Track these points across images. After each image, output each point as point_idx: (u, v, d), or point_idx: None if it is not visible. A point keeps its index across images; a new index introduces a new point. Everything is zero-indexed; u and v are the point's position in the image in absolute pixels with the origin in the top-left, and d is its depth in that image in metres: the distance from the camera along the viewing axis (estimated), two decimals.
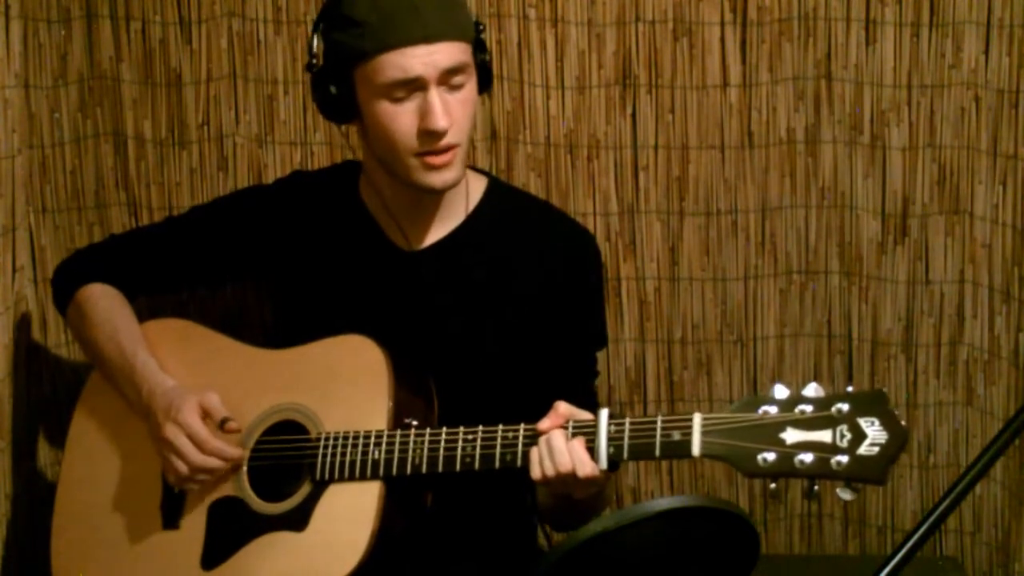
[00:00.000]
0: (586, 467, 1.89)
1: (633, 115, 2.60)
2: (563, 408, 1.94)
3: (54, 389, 2.59)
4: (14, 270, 2.45)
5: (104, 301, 2.29)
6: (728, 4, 2.55)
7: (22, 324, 2.50)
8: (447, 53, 2.04)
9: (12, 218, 2.42)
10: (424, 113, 2.04)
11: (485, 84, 2.15)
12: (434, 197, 2.16)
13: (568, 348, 2.22)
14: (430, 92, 2.04)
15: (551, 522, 2.28)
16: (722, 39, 2.56)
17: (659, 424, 1.86)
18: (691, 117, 2.59)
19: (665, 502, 1.76)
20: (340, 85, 2.09)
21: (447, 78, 2.05)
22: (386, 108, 2.06)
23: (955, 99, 2.55)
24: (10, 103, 2.40)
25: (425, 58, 2.02)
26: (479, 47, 2.13)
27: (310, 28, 2.55)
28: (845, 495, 1.76)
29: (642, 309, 2.66)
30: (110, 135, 2.60)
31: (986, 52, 2.51)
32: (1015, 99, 2.49)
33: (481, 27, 2.14)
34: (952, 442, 2.68)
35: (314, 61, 2.12)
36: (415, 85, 2.04)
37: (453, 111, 2.06)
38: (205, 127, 2.61)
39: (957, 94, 2.54)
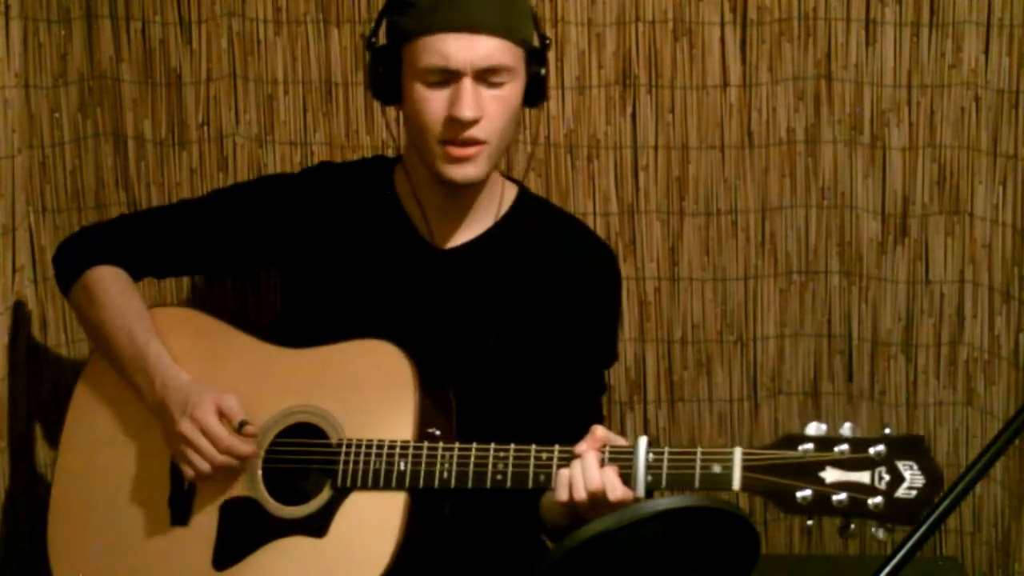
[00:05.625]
0: (617, 491, 1.88)
1: (633, 115, 2.60)
2: (600, 432, 1.93)
3: (54, 389, 2.58)
4: (14, 270, 2.45)
5: (116, 285, 2.24)
6: (728, 4, 2.55)
7: (22, 324, 2.50)
8: (489, 48, 2.03)
9: (12, 218, 2.42)
10: (453, 101, 2.03)
11: (535, 98, 2.12)
12: (466, 195, 2.15)
13: (580, 362, 2.20)
14: (463, 81, 2.02)
15: (550, 534, 2.27)
16: (722, 39, 2.56)
17: (699, 456, 1.86)
18: (691, 117, 2.59)
19: (665, 502, 1.75)
20: (388, 64, 2.09)
21: (485, 74, 2.03)
22: (420, 90, 2.05)
23: (955, 99, 2.55)
24: (10, 103, 2.40)
25: (464, 48, 2.01)
26: (536, 59, 2.10)
27: (310, 28, 2.57)
28: (879, 534, 1.80)
29: (642, 309, 2.66)
30: (110, 135, 2.60)
31: (986, 52, 2.51)
32: (1015, 99, 2.49)
33: (547, 41, 2.12)
34: (952, 442, 2.68)
35: (373, 40, 2.11)
36: (450, 73, 2.03)
37: (485, 106, 2.04)
38: (205, 127, 2.61)
39: (957, 94, 2.54)
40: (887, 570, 1.75)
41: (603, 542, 1.73)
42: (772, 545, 2.73)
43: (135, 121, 2.59)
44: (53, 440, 2.56)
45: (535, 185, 2.60)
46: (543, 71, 2.12)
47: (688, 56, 2.57)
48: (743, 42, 2.57)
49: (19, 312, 2.48)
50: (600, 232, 2.61)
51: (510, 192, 2.23)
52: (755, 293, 2.66)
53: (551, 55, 2.56)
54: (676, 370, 2.68)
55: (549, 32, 2.55)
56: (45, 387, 2.58)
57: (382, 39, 2.12)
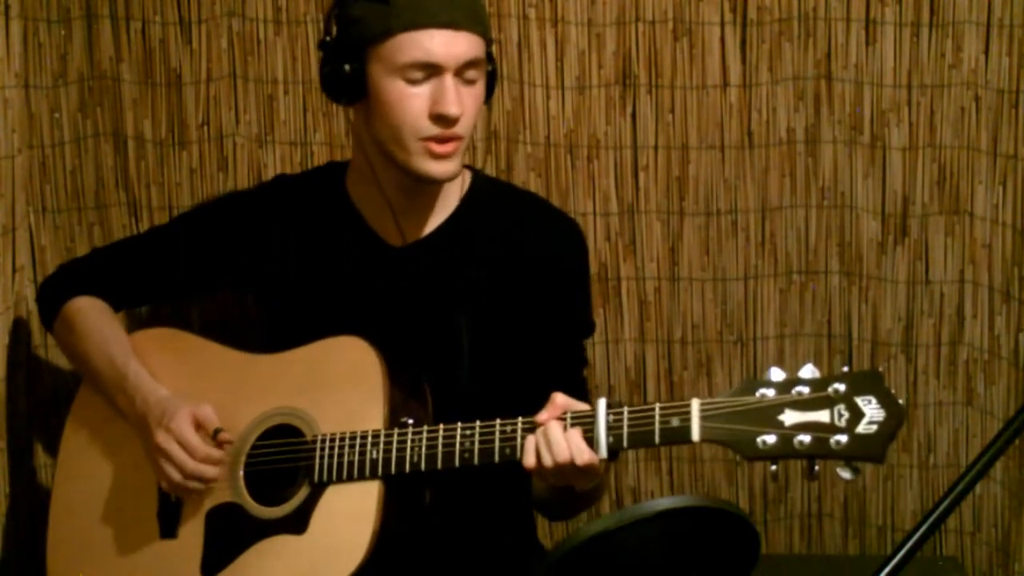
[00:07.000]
0: (584, 454, 1.88)
1: (633, 115, 2.60)
2: (560, 399, 1.94)
3: (54, 389, 2.59)
4: (14, 270, 2.45)
5: (92, 313, 2.28)
6: (728, 4, 2.55)
7: (22, 324, 2.50)
8: (468, 44, 2.05)
9: (12, 218, 2.42)
10: (438, 98, 2.04)
11: (488, 93, 2.15)
12: (431, 189, 2.16)
13: (556, 337, 2.21)
14: (446, 78, 2.04)
15: (548, 513, 2.28)
16: (722, 39, 2.56)
17: (657, 411, 1.86)
18: (691, 117, 2.60)
19: (665, 502, 1.75)
20: (353, 62, 2.07)
21: (463, 69, 2.05)
22: (400, 88, 2.05)
23: (955, 99, 2.55)
24: (10, 103, 2.40)
25: (448, 43, 2.03)
26: (491, 57, 2.13)
27: (310, 28, 2.56)
28: (845, 474, 1.76)
29: (642, 309, 2.67)
30: (110, 135, 2.60)
31: (986, 52, 2.51)
32: (1015, 99, 2.49)
33: (491, 40, 2.14)
34: (952, 442, 2.68)
35: (327, 38, 2.10)
36: (433, 69, 2.04)
37: (465, 102, 2.06)
38: (205, 127, 2.61)
39: (957, 94, 2.54)
40: (887, 570, 1.75)
41: (603, 542, 1.73)
42: (772, 545, 2.73)
43: (135, 121, 2.60)
44: (52, 440, 2.56)
45: (535, 185, 2.60)
46: (493, 67, 2.15)
47: (688, 56, 2.57)
48: (743, 42, 2.57)
49: (19, 312, 2.49)
50: (600, 232, 2.62)
51: (466, 178, 2.24)
52: (755, 293, 2.66)
53: (551, 55, 2.58)
54: (676, 370, 2.69)
55: (549, 32, 2.56)
56: (45, 387, 2.58)
57: (334, 35, 2.10)
